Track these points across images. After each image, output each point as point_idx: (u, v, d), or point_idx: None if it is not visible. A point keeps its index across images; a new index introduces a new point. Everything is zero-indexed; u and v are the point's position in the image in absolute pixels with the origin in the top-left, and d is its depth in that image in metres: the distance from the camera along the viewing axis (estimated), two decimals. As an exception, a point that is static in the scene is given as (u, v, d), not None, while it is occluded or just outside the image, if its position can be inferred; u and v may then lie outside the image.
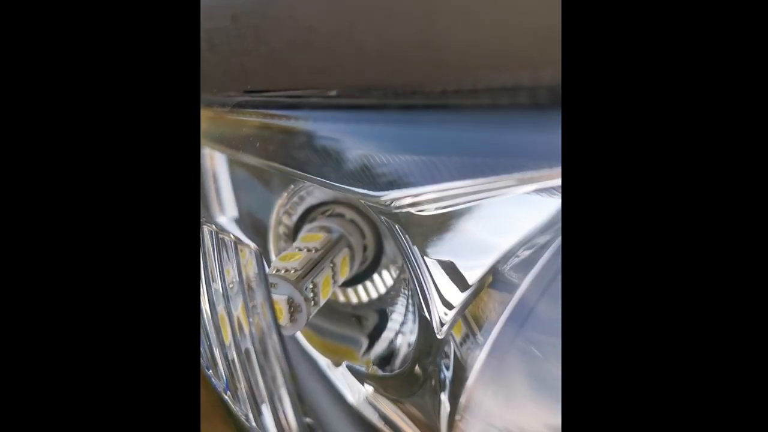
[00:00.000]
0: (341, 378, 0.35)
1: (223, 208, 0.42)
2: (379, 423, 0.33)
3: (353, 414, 0.34)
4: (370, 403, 0.33)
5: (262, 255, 0.26)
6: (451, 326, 0.28)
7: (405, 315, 0.34)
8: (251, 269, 0.25)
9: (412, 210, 0.29)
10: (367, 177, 0.29)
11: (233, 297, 0.27)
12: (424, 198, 0.28)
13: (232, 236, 0.26)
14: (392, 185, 0.29)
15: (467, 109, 0.23)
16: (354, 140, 0.28)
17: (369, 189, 0.29)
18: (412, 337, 0.32)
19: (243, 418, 0.26)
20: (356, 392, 0.34)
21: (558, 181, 0.23)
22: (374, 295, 0.39)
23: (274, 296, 0.30)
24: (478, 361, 0.26)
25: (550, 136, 0.20)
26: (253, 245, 0.25)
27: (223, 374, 0.28)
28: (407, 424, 0.32)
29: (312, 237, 0.36)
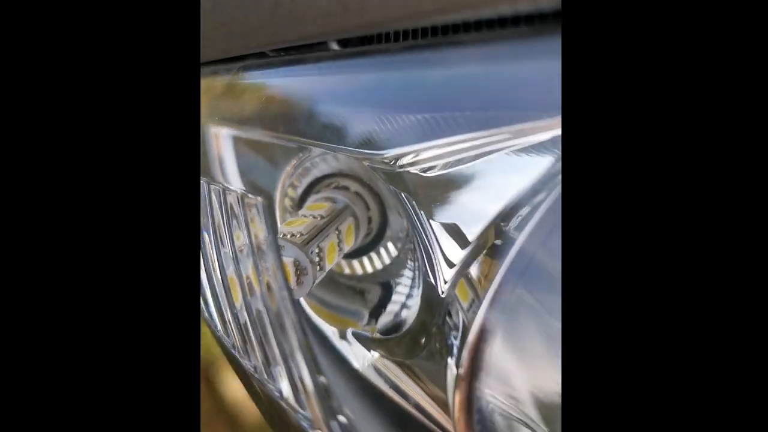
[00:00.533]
0: (346, 345, 0.36)
1: (228, 183, 0.43)
2: (384, 387, 0.33)
3: (359, 379, 0.34)
4: (376, 369, 0.34)
5: (269, 207, 0.26)
6: (454, 285, 0.29)
7: (411, 288, 0.35)
8: (261, 234, 0.26)
9: (415, 169, 0.30)
10: (371, 144, 0.29)
11: (243, 259, 0.27)
12: (426, 155, 0.29)
13: (238, 191, 0.27)
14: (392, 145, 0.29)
15: (470, 44, 0.24)
16: (356, 99, 0.29)
17: (373, 149, 0.29)
18: (417, 302, 0.33)
19: (252, 370, 0.27)
20: (361, 358, 0.35)
21: (558, 131, 0.23)
22: (379, 266, 0.39)
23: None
24: (479, 314, 0.26)
25: (551, 63, 0.20)
26: (259, 198, 0.26)
27: (233, 332, 0.28)
28: (412, 388, 0.32)
29: (317, 206, 0.36)
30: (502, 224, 0.28)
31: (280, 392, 0.26)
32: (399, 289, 0.36)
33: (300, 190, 0.39)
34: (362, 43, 0.27)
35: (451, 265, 0.28)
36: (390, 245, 0.40)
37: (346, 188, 0.39)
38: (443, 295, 0.28)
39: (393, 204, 0.39)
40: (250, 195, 0.26)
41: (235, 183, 0.42)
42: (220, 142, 0.42)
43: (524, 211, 0.28)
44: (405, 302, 0.35)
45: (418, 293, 0.34)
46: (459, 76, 0.25)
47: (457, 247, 0.29)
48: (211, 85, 0.38)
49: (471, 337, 0.26)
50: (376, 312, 0.36)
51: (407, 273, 0.37)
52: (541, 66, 0.22)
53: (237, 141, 0.42)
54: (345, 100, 0.30)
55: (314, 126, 0.32)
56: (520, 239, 0.25)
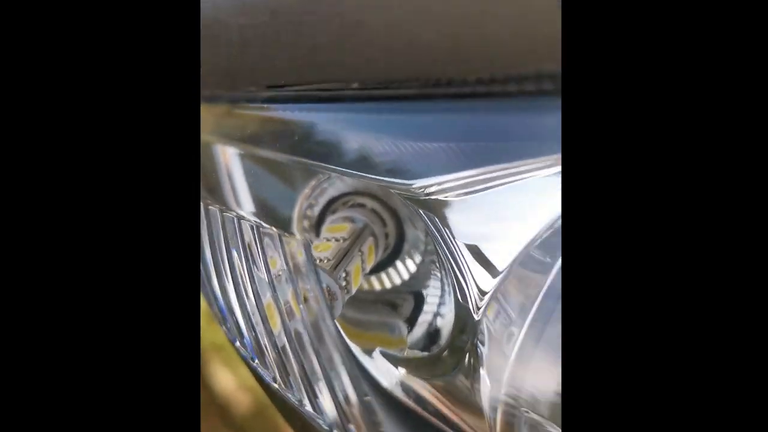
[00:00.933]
0: (372, 363, 0.36)
1: (240, 204, 0.43)
2: (414, 405, 0.34)
3: (388, 397, 0.35)
4: (405, 386, 0.34)
5: (309, 245, 0.27)
6: (487, 308, 0.29)
7: (441, 296, 0.35)
8: (300, 257, 0.26)
9: (440, 197, 0.30)
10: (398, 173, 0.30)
11: (280, 286, 0.27)
12: (454, 184, 0.29)
13: (274, 230, 0.27)
14: (420, 175, 0.30)
15: (497, 96, 0.25)
16: (381, 134, 0.29)
17: (401, 178, 0.30)
18: (449, 318, 0.33)
19: (297, 404, 0.27)
20: (389, 376, 0.35)
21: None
22: (399, 281, 0.40)
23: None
24: (519, 341, 0.27)
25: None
26: (299, 236, 0.26)
27: (272, 362, 0.28)
28: (445, 404, 0.33)
29: (338, 228, 0.37)
30: (531, 248, 0.29)
31: (330, 428, 0.27)
32: (429, 299, 0.37)
33: (317, 210, 0.40)
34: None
35: (483, 293, 0.28)
36: (408, 258, 0.40)
37: (362, 205, 0.40)
38: (477, 318, 0.29)
39: (408, 218, 0.39)
40: (286, 234, 0.26)
41: (246, 205, 0.42)
42: (228, 158, 0.43)
43: (548, 232, 0.29)
44: (438, 311, 0.35)
45: (449, 300, 0.35)
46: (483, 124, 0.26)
47: (485, 272, 0.30)
48: (221, 110, 0.38)
49: (510, 361, 0.26)
50: (409, 324, 0.36)
51: (433, 284, 0.37)
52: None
53: (244, 158, 0.42)
54: (366, 128, 0.30)
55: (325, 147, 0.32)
56: (557, 266, 0.26)
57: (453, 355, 0.32)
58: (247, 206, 0.42)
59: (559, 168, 0.26)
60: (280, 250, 0.28)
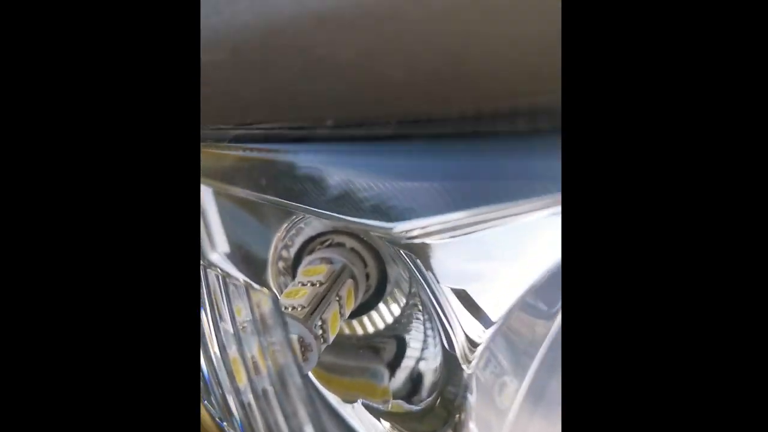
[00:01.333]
0: (354, 414, 0.34)
1: (213, 244, 0.40)
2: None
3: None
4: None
5: (277, 299, 0.24)
6: (479, 361, 0.27)
7: (424, 341, 0.33)
8: (266, 306, 0.24)
9: (426, 240, 0.28)
10: (382, 212, 0.28)
11: (246, 338, 0.25)
12: (435, 228, 0.27)
13: (241, 281, 0.25)
14: (404, 216, 0.28)
15: (484, 136, 0.23)
16: (364, 177, 0.27)
17: (382, 221, 0.28)
18: (432, 364, 0.31)
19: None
20: (372, 429, 0.33)
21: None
22: (382, 325, 0.37)
23: (285, 336, 0.29)
24: (519, 397, 0.24)
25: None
26: (266, 290, 0.24)
27: (239, 423, 0.26)
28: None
29: (314, 270, 0.34)
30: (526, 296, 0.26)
31: None
32: (412, 344, 0.34)
33: (293, 251, 0.37)
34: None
35: (473, 343, 0.26)
36: (391, 301, 0.38)
37: (341, 245, 0.38)
38: (469, 371, 0.26)
39: (390, 256, 0.37)
40: (255, 286, 0.24)
41: (221, 245, 0.40)
42: (203, 200, 0.40)
43: (545, 277, 0.27)
44: (421, 356, 0.33)
45: (431, 345, 0.32)
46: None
47: (475, 320, 0.27)
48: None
49: (509, 416, 0.24)
50: (391, 370, 0.34)
51: (417, 327, 0.35)
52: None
53: (219, 196, 0.40)
54: (347, 168, 0.28)
55: (305, 185, 0.30)
56: (555, 325, 0.23)
57: (443, 407, 0.30)
58: (221, 247, 0.40)
59: (558, 208, 0.24)
60: (246, 299, 0.25)
